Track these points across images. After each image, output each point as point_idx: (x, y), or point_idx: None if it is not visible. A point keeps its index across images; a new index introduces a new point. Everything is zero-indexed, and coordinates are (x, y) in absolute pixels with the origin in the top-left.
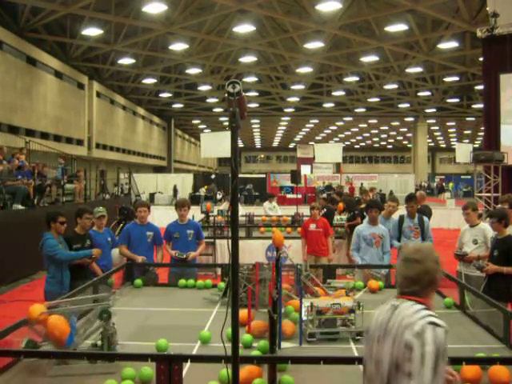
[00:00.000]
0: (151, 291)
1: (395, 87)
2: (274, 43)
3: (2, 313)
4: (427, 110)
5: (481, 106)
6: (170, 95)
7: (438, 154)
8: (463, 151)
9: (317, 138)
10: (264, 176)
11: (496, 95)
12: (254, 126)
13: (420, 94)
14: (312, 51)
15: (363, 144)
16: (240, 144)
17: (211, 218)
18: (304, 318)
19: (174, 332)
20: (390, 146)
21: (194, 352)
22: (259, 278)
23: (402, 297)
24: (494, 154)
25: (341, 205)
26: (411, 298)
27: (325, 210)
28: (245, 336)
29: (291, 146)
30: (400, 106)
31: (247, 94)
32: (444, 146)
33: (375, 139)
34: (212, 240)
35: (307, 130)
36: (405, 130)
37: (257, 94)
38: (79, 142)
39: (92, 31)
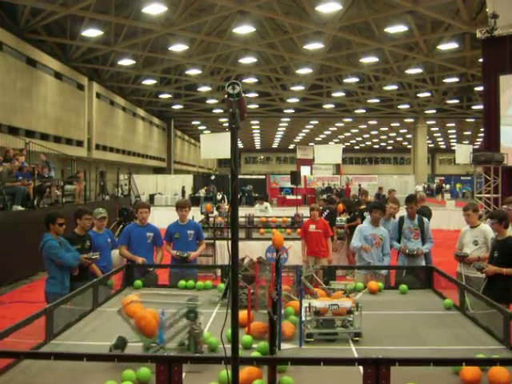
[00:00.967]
0: (151, 292)
1: (395, 88)
2: (273, 44)
3: (2, 314)
4: (427, 111)
5: (480, 107)
6: (170, 96)
7: (438, 155)
8: (463, 152)
9: (316, 139)
10: (264, 177)
11: (496, 96)
12: (253, 127)
13: (420, 95)
14: (312, 52)
15: (363, 145)
16: (240, 145)
17: (211, 219)
18: (303, 318)
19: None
20: (389, 147)
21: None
22: (260, 278)
23: None
24: (493, 155)
25: (341, 206)
26: None
27: (327, 210)
28: (244, 337)
29: (291, 147)
30: (400, 107)
31: (247, 95)
32: (444, 147)
33: (375, 140)
34: (212, 241)
35: (307, 131)
36: (404, 131)
37: (256, 95)
38: (79, 143)
39: (92, 32)
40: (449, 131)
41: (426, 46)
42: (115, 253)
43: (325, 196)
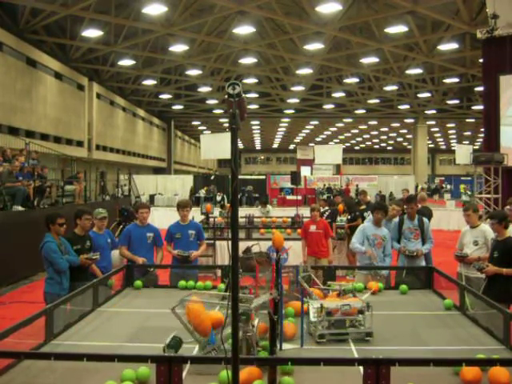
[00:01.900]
0: (151, 292)
1: (395, 88)
2: (273, 44)
3: (2, 314)
4: (427, 112)
5: (481, 107)
6: (170, 96)
7: (438, 156)
8: (463, 152)
9: (317, 139)
10: (264, 177)
11: (496, 96)
12: (253, 128)
13: (420, 95)
14: (312, 52)
15: (363, 145)
16: (240, 145)
17: (211, 220)
18: (313, 319)
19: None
20: (389, 148)
21: (194, 353)
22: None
23: None
24: (493, 155)
25: (341, 206)
26: None
27: (329, 211)
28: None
29: (291, 147)
30: (400, 107)
31: (247, 96)
32: (444, 147)
33: (375, 140)
34: (212, 241)
35: (307, 131)
36: (405, 131)
37: (257, 95)
38: (79, 144)
39: (92, 32)
40: (449, 131)
41: (426, 46)
42: (115, 253)
43: (325, 196)
